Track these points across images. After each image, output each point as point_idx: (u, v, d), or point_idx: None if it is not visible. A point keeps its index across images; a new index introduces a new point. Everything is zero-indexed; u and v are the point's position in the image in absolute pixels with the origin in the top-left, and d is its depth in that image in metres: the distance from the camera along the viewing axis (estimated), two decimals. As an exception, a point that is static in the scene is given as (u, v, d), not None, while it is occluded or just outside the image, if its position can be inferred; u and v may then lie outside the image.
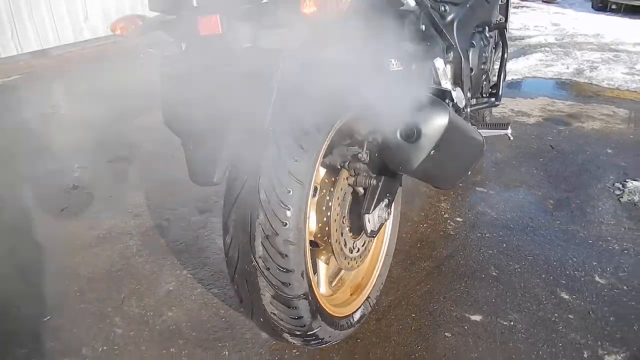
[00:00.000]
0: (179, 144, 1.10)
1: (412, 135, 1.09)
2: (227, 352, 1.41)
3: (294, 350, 1.40)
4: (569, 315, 1.53)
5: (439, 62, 1.38)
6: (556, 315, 1.53)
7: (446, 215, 2.04)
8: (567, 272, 1.72)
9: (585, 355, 1.39)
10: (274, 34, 0.94)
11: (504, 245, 1.86)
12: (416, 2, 1.38)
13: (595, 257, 1.79)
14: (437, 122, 1.08)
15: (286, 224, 1.05)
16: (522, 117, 3.02)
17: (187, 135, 1.06)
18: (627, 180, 2.29)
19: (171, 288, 1.66)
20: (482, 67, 1.88)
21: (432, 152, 1.11)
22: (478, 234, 1.92)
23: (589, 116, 3.03)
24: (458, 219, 2.02)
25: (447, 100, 1.28)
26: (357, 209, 1.31)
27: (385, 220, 1.35)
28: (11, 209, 2.13)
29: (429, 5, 1.44)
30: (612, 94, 3.42)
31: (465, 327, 1.49)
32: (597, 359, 1.38)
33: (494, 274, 1.71)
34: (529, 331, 1.47)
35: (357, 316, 1.39)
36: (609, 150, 2.60)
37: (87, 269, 1.75)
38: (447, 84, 1.40)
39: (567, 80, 3.71)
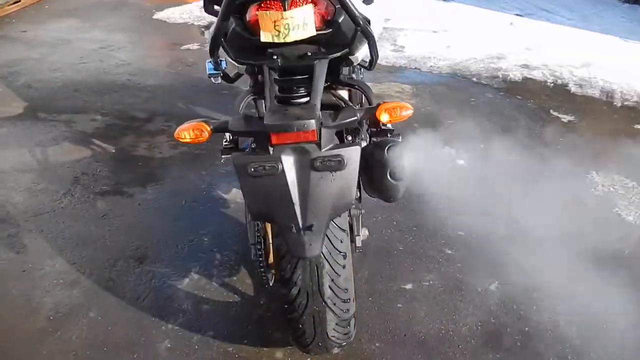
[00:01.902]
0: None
1: (401, 176, 1.43)
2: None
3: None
4: (458, 265, 2.19)
5: None
6: (451, 268, 2.18)
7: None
8: (441, 233, 2.37)
9: (479, 289, 2.07)
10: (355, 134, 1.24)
11: (394, 222, 2.42)
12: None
13: (449, 218, 2.49)
14: (412, 160, 1.43)
15: (344, 265, 1.37)
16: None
17: (288, 222, 1.25)
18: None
19: (169, 345, 1.76)
20: None
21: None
22: (373, 218, 2.44)
23: (389, 95, 3.79)
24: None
25: None
26: None
27: (366, 237, 1.75)
28: None
29: None
30: (394, 71, 4.27)
31: (406, 295, 2.02)
32: (485, 290, 2.07)
33: (400, 247, 2.26)
34: (443, 284, 2.07)
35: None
36: (415, 125, 3.38)
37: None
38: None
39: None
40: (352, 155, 1.25)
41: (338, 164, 1.23)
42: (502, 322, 1.91)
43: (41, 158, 2.69)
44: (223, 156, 2.24)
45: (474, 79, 4.35)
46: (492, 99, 4.00)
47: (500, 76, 4.50)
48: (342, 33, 1.33)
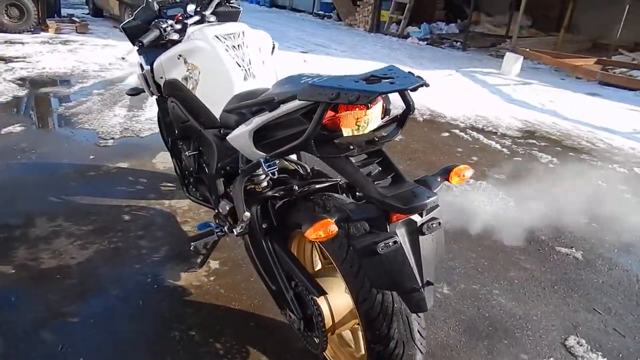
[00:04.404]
0: None
1: None
2: None
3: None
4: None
5: None
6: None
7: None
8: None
9: (438, 296, 2.46)
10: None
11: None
12: None
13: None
14: None
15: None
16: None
17: (410, 284, 1.36)
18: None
19: None
20: None
21: None
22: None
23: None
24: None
25: None
26: None
27: None
28: None
29: None
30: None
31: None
32: (442, 294, 2.47)
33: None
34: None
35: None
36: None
37: None
38: None
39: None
40: (440, 214, 1.47)
41: (439, 225, 1.43)
42: (469, 316, 2.34)
43: None
44: (193, 243, 2.17)
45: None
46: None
47: (328, 110, 5.03)
48: (392, 118, 1.54)
